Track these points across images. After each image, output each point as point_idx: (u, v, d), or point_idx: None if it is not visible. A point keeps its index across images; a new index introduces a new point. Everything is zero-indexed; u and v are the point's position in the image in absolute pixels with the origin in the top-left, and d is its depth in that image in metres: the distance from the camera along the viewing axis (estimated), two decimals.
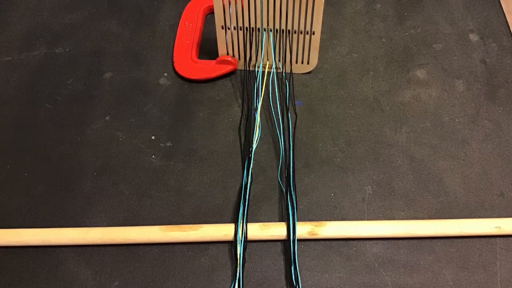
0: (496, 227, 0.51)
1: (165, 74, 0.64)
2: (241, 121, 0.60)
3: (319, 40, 0.59)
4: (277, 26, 0.58)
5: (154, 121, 0.60)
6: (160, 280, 0.49)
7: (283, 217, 0.53)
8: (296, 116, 0.60)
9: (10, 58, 0.66)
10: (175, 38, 0.67)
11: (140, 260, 0.50)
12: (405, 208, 0.53)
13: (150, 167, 0.56)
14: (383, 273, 0.49)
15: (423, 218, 0.52)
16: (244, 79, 0.63)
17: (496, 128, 0.59)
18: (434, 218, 0.52)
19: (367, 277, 0.49)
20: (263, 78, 0.61)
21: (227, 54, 0.63)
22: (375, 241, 0.51)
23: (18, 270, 0.50)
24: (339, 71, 0.64)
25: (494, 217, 0.52)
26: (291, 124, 0.58)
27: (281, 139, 0.56)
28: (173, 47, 0.66)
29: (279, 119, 0.58)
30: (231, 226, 0.51)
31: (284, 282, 0.49)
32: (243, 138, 0.58)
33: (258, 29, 0.59)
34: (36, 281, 0.49)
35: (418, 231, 0.51)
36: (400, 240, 0.51)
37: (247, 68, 0.62)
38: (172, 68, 0.64)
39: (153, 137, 0.59)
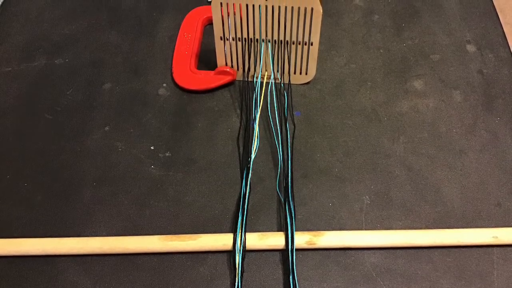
0: (493, 237, 0.51)
1: (164, 85, 0.65)
2: (239, 131, 0.60)
3: (317, 51, 0.60)
4: (275, 37, 0.59)
5: (153, 131, 0.60)
6: None
7: (281, 227, 0.53)
8: (294, 126, 0.60)
9: (10, 68, 0.66)
10: (174, 49, 0.67)
11: (139, 269, 0.50)
12: (402, 218, 0.53)
13: (149, 177, 0.57)
14: (381, 282, 0.49)
15: (421, 228, 0.53)
16: (242, 90, 0.63)
17: (493, 139, 0.59)
18: (431, 228, 0.53)
19: (365, 286, 0.49)
20: (262, 88, 0.62)
21: (226, 64, 0.63)
22: (373, 251, 0.51)
23: (18, 280, 0.50)
24: (337, 82, 0.65)
25: (491, 227, 0.52)
26: (290, 135, 0.58)
27: (279, 149, 0.57)
28: (172, 58, 0.66)
29: (277, 130, 0.59)
30: (230, 236, 0.51)
31: None
32: (241, 148, 0.59)
33: (257, 40, 0.59)
34: None
35: (416, 240, 0.51)
36: (398, 250, 0.51)
37: (246, 79, 0.63)
38: (171, 78, 0.65)
39: (152, 147, 0.59)
